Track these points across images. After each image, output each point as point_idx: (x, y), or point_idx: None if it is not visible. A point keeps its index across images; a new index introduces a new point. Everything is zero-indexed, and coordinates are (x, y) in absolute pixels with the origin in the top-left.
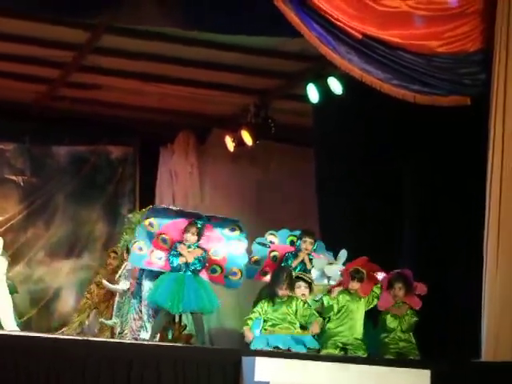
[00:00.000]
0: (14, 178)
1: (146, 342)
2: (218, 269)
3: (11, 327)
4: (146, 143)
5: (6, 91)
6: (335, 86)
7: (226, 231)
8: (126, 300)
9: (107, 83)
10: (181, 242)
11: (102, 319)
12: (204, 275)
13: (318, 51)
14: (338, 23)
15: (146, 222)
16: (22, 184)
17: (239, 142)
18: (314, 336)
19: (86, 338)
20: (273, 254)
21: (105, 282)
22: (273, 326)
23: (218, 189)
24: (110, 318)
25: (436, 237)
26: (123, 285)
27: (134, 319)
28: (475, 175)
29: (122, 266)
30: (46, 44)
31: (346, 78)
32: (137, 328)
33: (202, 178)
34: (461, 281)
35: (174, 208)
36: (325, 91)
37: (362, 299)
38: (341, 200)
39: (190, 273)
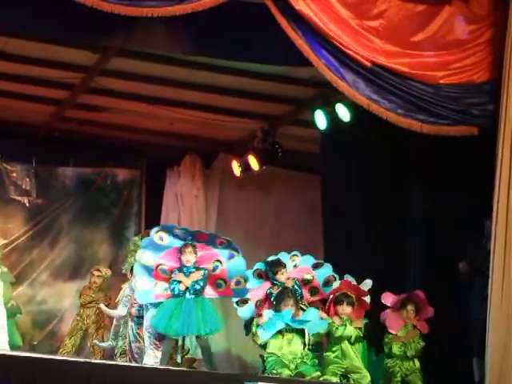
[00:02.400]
0: (19, 198)
1: (148, 366)
2: (223, 282)
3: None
4: (153, 166)
5: (13, 112)
6: (343, 112)
7: (217, 244)
8: (123, 323)
9: (115, 105)
10: (180, 268)
11: (96, 341)
12: (213, 292)
13: (326, 78)
14: (348, 51)
15: (142, 258)
16: (27, 205)
17: (246, 167)
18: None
19: (87, 360)
20: None
21: (103, 306)
22: (279, 351)
23: (223, 213)
24: (102, 340)
25: (443, 263)
26: (121, 310)
27: (132, 342)
28: (482, 200)
29: (122, 291)
30: (55, 65)
31: (354, 106)
32: (135, 351)
33: (207, 202)
34: (467, 307)
35: (164, 226)
36: (333, 118)
37: (354, 324)
38: (347, 226)
39: (192, 296)
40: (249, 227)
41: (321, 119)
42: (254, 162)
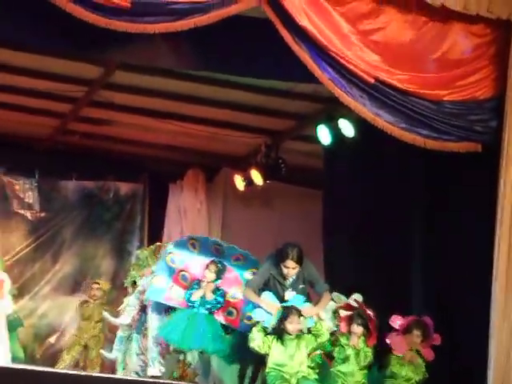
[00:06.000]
0: (22, 211)
1: (151, 380)
2: (235, 311)
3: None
4: (155, 180)
5: (17, 125)
6: (346, 128)
7: (246, 275)
8: (128, 334)
9: (118, 119)
10: (199, 281)
11: (103, 351)
12: (220, 317)
13: (330, 93)
14: (351, 66)
15: (168, 258)
16: (30, 218)
17: (249, 182)
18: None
19: (89, 373)
20: None
21: (106, 314)
22: (281, 365)
23: (225, 227)
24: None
25: (444, 283)
26: (124, 319)
27: (137, 354)
28: (485, 220)
29: (125, 301)
30: (58, 79)
31: (357, 121)
32: (139, 363)
33: (210, 216)
34: (468, 329)
35: (197, 237)
36: (336, 133)
37: (364, 347)
38: (347, 243)
39: (205, 310)
40: (251, 241)
41: (324, 134)
42: (257, 177)
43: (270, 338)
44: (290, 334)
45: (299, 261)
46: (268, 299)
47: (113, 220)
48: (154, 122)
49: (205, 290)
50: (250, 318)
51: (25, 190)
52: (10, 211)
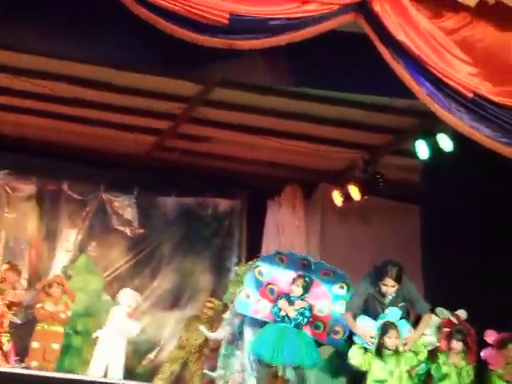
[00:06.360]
0: (121, 228)
1: None
2: (322, 325)
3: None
4: (253, 196)
5: (116, 142)
6: (445, 142)
7: (335, 289)
8: (230, 351)
9: (216, 135)
10: (287, 294)
11: (206, 371)
12: (307, 330)
13: (427, 107)
14: (449, 81)
15: (256, 270)
16: (129, 234)
17: (347, 197)
18: None
19: None
20: None
21: (203, 328)
22: (381, 382)
23: (324, 243)
24: (201, 369)
25: None
26: (220, 333)
27: (237, 372)
28: None
29: (224, 317)
30: (158, 96)
31: (456, 135)
32: (240, 381)
33: (308, 232)
34: None
35: (284, 251)
36: (434, 147)
37: (465, 365)
38: (446, 258)
39: (292, 325)
40: (350, 257)
41: (422, 149)
42: (354, 192)
43: (370, 354)
44: (389, 349)
45: (398, 279)
46: (363, 326)
47: (211, 236)
48: (252, 139)
49: (287, 311)
50: (337, 333)
51: (124, 207)
52: (109, 227)
